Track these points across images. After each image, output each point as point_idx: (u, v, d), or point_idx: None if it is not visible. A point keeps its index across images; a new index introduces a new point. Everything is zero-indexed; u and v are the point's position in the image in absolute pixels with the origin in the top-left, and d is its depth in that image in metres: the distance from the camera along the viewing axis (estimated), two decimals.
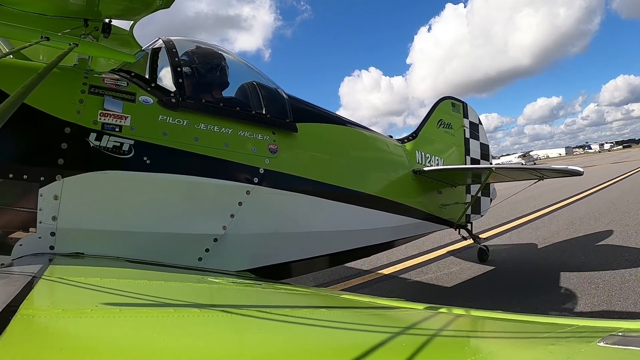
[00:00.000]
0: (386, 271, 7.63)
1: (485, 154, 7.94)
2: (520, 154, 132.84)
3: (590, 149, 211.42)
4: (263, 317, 1.53)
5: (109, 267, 2.62)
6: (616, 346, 1.23)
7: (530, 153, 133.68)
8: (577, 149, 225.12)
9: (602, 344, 1.24)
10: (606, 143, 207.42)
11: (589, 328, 1.60)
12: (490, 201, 7.92)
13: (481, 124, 7.99)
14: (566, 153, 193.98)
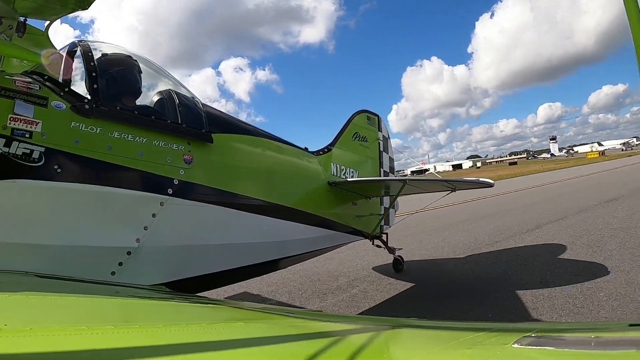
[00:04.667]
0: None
1: (392, 167, 8.32)
2: (623, 141, 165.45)
3: None
4: (178, 333, 1.53)
5: (17, 283, 2.49)
6: (530, 347, 1.31)
7: (629, 141, 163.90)
8: None
9: (516, 345, 1.32)
10: None
11: (504, 331, 1.70)
12: (395, 212, 8.25)
13: (389, 138, 8.36)
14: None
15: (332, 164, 6.34)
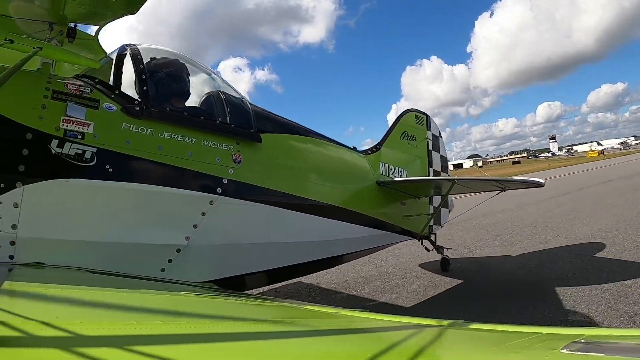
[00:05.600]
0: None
1: (444, 166, 8.14)
2: (621, 141, 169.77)
3: None
4: (226, 329, 1.53)
5: (70, 278, 2.56)
6: (579, 352, 1.26)
7: (626, 141, 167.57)
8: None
9: (565, 350, 1.27)
10: None
11: (553, 335, 1.63)
12: (449, 212, 8.04)
13: (441, 136, 8.18)
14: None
15: (380, 163, 6.27)
